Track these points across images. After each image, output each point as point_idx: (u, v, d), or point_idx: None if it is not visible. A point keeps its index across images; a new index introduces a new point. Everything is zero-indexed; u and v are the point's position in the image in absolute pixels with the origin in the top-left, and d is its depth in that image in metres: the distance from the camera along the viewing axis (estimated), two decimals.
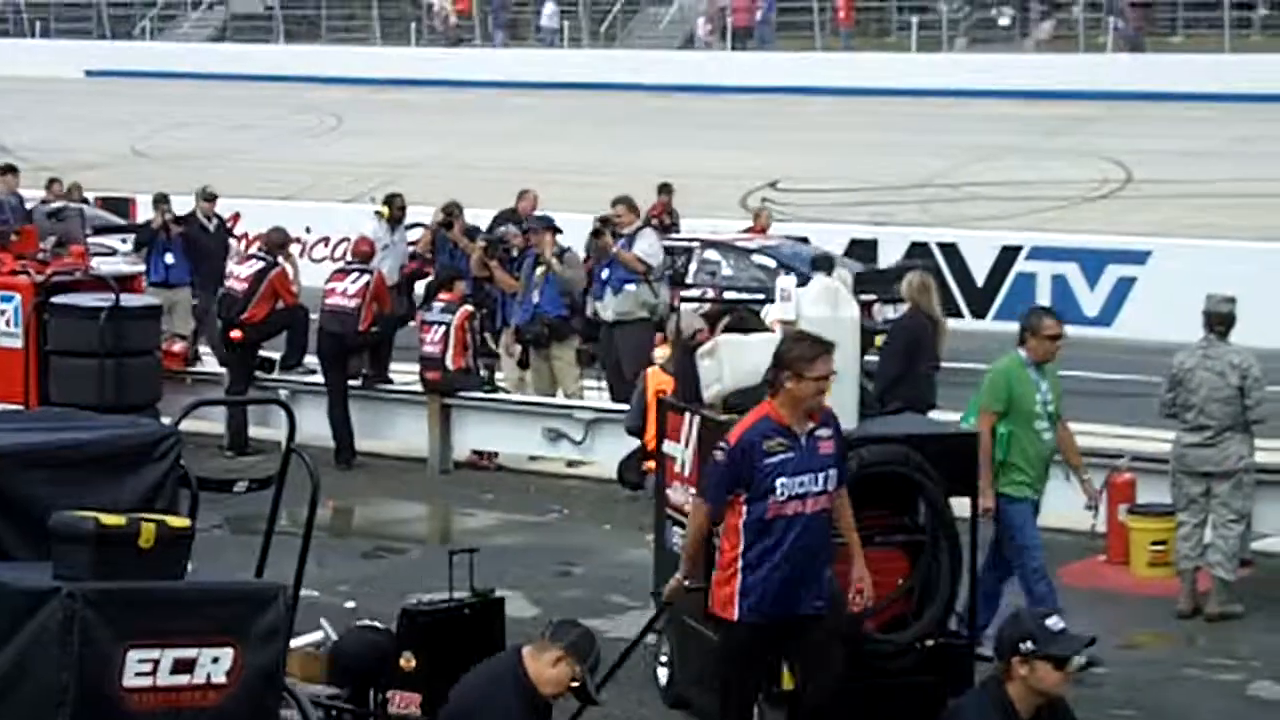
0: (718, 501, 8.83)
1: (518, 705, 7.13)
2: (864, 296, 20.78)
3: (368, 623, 9.72)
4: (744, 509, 8.72)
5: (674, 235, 23.51)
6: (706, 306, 13.97)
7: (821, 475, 8.73)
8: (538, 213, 20.48)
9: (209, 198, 22.10)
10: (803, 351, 8.72)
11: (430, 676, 9.08)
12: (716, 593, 8.87)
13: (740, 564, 8.72)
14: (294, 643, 8.36)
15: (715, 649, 9.02)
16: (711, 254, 22.12)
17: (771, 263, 21.66)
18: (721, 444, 8.84)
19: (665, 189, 25.53)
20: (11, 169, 24.35)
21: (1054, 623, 6.96)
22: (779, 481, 8.64)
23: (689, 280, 21.31)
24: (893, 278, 21.91)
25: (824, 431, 8.80)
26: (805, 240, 23.66)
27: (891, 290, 21.28)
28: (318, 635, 9.97)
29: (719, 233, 23.73)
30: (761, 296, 20.86)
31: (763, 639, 8.89)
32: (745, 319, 11.26)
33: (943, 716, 7.25)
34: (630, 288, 17.76)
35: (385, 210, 21.37)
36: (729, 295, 20.53)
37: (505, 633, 9.76)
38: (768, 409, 8.79)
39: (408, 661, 7.75)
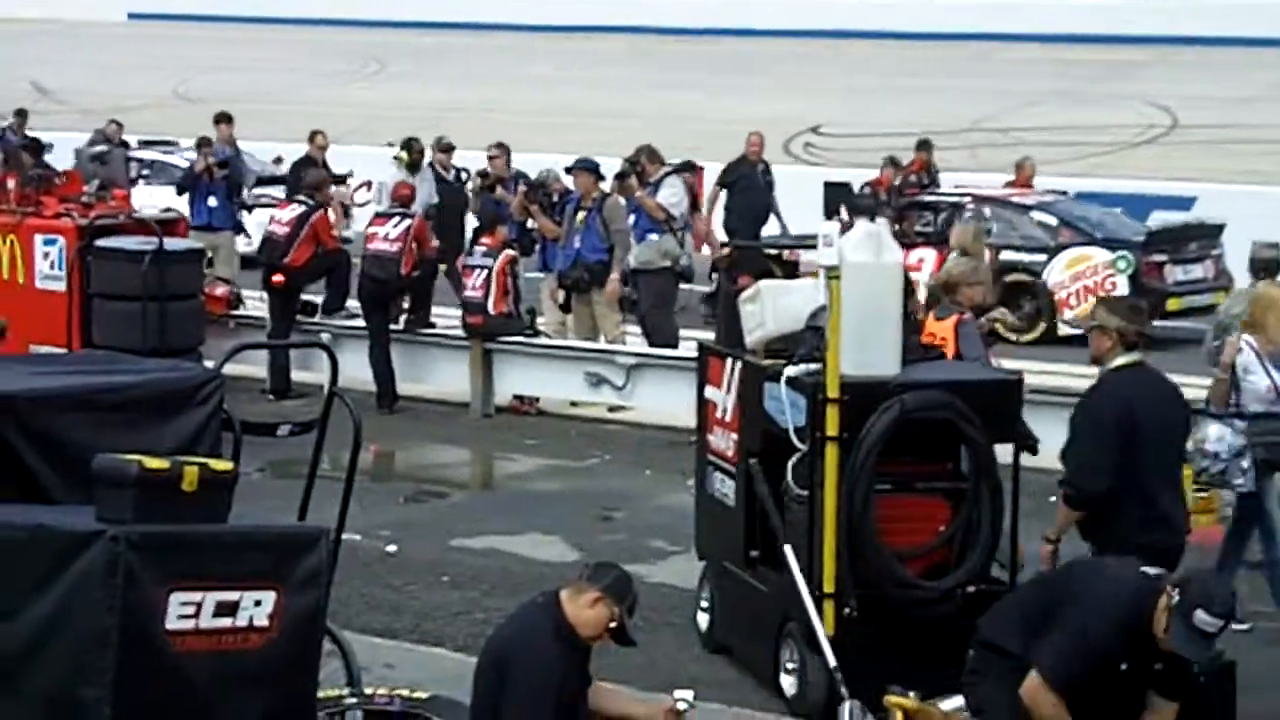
0: None
1: (557, 647, 7.14)
2: (1155, 257, 20.33)
3: None
4: None
5: (935, 191, 22.83)
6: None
7: None
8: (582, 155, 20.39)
9: (445, 148, 21.36)
10: None
11: None
12: None
13: None
14: (945, 705, 7.83)
15: None
16: (984, 210, 21.20)
17: (1052, 220, 20.92)
18: None
19: (924, 145, 24.43)
20: (227, 117, 23.48)
21: (1204, 620, 6.88)
22: None
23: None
24: (1184, 236, 21.14)
25: None
26: (1064, 194, 22.70)
27: (1183, 250, 20.80)
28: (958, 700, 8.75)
29: (982, 188, 22.82)
30: (1044, 257, 20.54)
31: None
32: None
33: (1090, 559, 7.36)
34: (653, 237, 17.69)
35: (405, 155, 21.33)
36: (1006, 255, 20.22)
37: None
38: None
39: None
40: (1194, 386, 13.98)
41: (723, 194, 23.39)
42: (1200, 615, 6.90)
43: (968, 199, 21.57)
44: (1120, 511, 8.70)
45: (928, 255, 20.44)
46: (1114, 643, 7.10)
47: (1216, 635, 6.94)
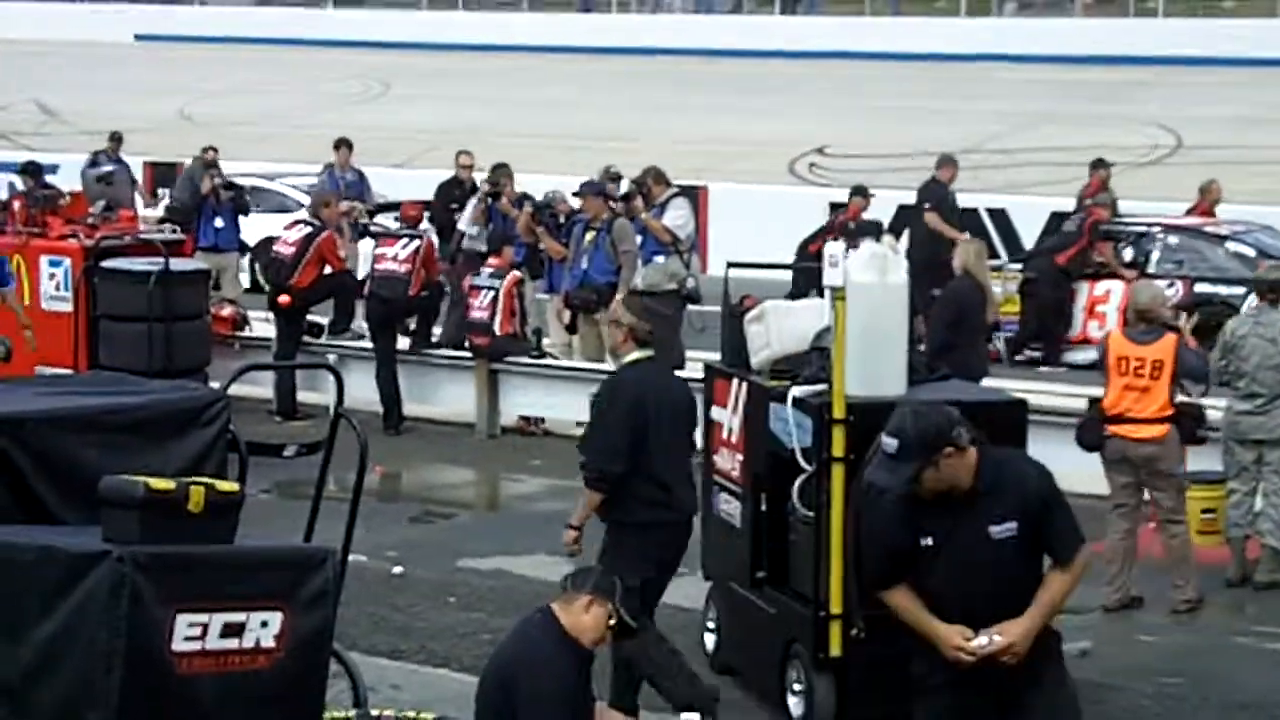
0: None
1: (565, 658, 7.20)
2: None
3: None
4: None
5: (1119, 219, 20.87)
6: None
7: None
8: (588, 178, 20.32)
9: (614, 177, 20.55)
10: None
11: None
12: None
13: None
14: None
15: None
16: (1175, 240, 20.02)
17: (1249, 250, 19.58)
18: None
19: (1100, 164, 22.65)
20: (347, 143, 23.11)
21: (885, 443, 6.91)
22: None
23: (1151, 270, 19.34)
24: None
25: None
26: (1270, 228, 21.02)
27: None
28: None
29: (1166, 216, 21.17)
30: (1242, 290, 18.76)
31: None
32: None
33: None
34: (660, 259, 17.65)
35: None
36: (1201, 288, 19.30)
37: None
38: None
39: None
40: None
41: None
42: (883, 439, 6.94)
43: (1156, 228, 20.33)
44: (631, 491, 9.54)
45: (1115, 287, 19.48)
46: (891, 523, 7.00)
47: (897, 456, 6.84)
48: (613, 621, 7.31)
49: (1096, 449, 12.05)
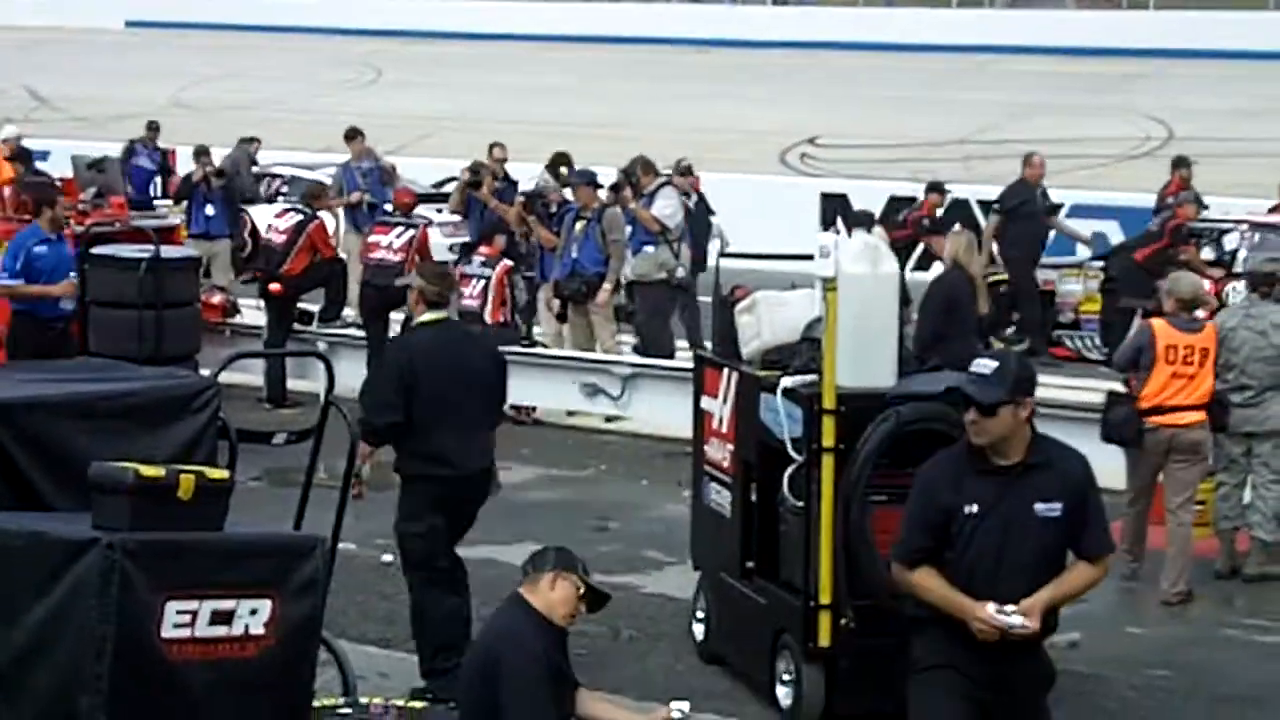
0: None
1: (539, 639, 7.26)
2: None
3: None
4: None
5: (1203, 218, 20.20)
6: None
7: None
8: (579, 168, 20.26)
9: (684, 172, 20.06)
10: None
11: None
12: None
13: None
14: None
15: None
16: (1260, 238, 19.12)
17: None
18: None
19: (1181, 163, 22.27)
20: (357, 132, 22.73)
21: (979, 364, 6.96)
22: None
23: (1237, 269, 18.49)
24: None
25: None
26: None
27: None
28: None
29: (1251, 213, 20.47)
30: None
31: None
32: None
33: None
34: (649, 249, 17.67)
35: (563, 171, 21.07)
36: None
37: None
38: None
39: None
40: None
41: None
42: (977, 362, 6.98)
43: (1242, 225, 19.62)
44: (407, 448, 9.86)
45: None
46: (938, 484, 7.01)
47: (989, 378, 6.86)
48: (582, 591, 7.35)
49: (1135, 443, 12.05)
